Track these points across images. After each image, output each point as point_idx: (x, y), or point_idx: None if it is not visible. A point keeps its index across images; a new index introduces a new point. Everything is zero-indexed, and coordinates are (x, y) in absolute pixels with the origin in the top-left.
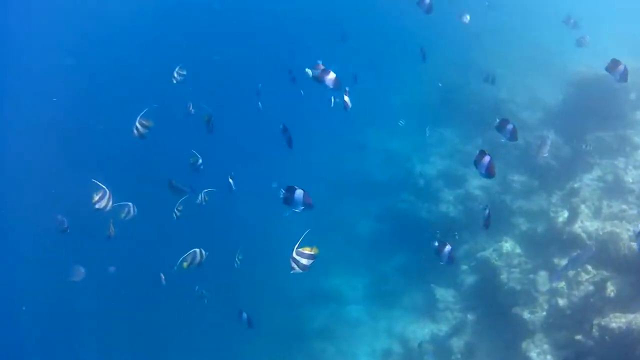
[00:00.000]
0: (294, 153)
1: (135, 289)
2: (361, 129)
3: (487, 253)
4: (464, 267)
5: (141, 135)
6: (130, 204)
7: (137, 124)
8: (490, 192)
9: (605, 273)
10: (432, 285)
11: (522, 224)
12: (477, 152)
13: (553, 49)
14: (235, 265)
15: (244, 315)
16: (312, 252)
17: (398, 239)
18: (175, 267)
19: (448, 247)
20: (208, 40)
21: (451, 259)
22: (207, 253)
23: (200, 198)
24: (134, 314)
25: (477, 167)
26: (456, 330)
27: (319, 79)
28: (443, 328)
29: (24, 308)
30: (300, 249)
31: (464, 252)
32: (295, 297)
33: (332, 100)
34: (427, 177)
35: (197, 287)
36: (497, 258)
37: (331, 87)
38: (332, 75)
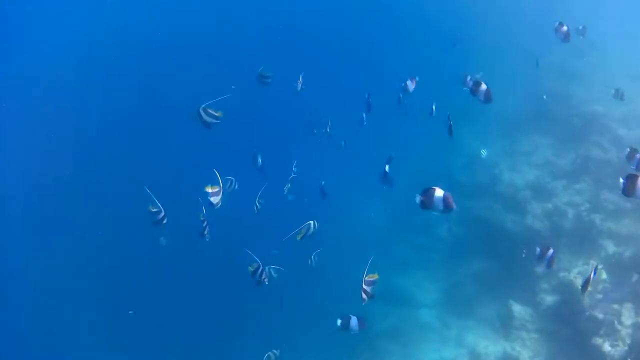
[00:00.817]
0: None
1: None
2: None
3: (572, 275)
4: (545, 285)
5: (205, 124)
6: (232, 178)
7: (201, 111)
8: (579, 209)
9: None
10: (510, 301)
11: (609, 247)
12: (624, 179)
13: None
14: (310, 263)
15: (354, 319)
16: (374, 279)
17: (478, 245)
18: (285, 239)
19: (551, 251)
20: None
21: (551, 263)
22: (319, 224)
23: (285, 187)
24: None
25: (632, 194)
26: (530, 352)
27: (472, 92)
28: (517, 348)
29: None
30: (366, 278)
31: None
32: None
33: (433, 108)
34: (515, 187)
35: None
36: (581, 282)
37: (482, 99)
38: (484, 87)
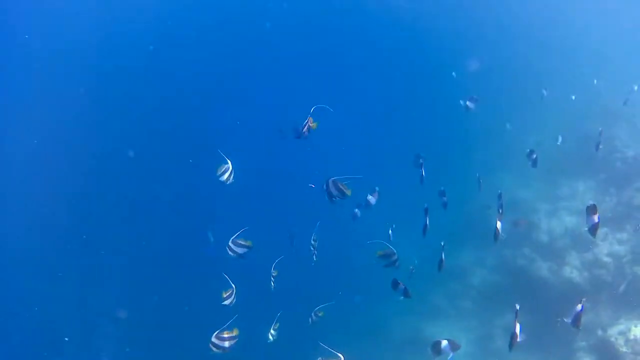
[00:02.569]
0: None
1: None
2: (492, 172)
3: (612, 335)
4: (582, 343)
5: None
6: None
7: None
8: (621, 261)
9: None
10: None
11: None
12: None
13: None
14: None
15: (445, 343)
16: None
17: (512, 296)
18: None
19: (579, 307)
20: None
21: (577, 322)
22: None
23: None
24: None
25: None
26: None
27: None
28: None
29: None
30: None
31: (584, 324)
32: (396, 340)
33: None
34: (554, 235)
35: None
36: (622, 344)
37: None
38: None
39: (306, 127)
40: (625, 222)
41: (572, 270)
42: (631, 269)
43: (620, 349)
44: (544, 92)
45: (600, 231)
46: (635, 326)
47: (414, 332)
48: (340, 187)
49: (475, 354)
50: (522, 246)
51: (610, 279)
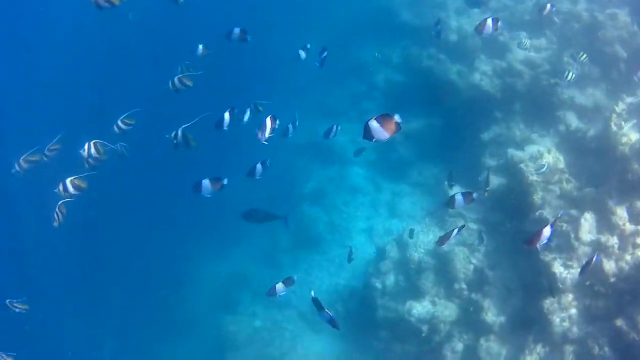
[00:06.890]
0: None
1: None
2: None
3: (523, 160)
4: (491, 162)
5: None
6: None
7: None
8: (537, 71)
9: None
10: (445, 183)
11: (571, 121)
12: None
13: None
14: None
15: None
16: None
17: (418, 99)
18: None
19: None
20: None
21: None
22: None
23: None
24: None
25: None
26: (466, 250)
27: None
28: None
29: None
30: None
31: (493, 136)
32: (292, 147)
33: None
34: (464, 35)
35: None
36: (533, 172)
37: None
38: None
39: None
40: (545, 27)
41: (483, 78)
42: (548, 81)
43: (531, 176)
44: None
45: (516, 35)
46: (549, 152)
47: (310, 137)
48: None
49: (376, 162)
50: (429, 44)
51: (525, 91)
